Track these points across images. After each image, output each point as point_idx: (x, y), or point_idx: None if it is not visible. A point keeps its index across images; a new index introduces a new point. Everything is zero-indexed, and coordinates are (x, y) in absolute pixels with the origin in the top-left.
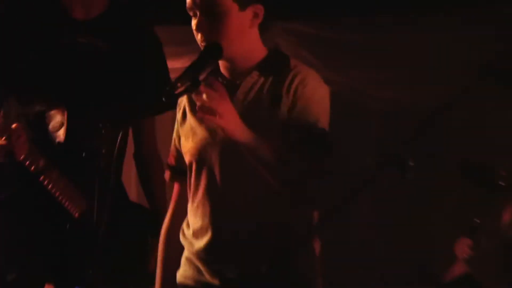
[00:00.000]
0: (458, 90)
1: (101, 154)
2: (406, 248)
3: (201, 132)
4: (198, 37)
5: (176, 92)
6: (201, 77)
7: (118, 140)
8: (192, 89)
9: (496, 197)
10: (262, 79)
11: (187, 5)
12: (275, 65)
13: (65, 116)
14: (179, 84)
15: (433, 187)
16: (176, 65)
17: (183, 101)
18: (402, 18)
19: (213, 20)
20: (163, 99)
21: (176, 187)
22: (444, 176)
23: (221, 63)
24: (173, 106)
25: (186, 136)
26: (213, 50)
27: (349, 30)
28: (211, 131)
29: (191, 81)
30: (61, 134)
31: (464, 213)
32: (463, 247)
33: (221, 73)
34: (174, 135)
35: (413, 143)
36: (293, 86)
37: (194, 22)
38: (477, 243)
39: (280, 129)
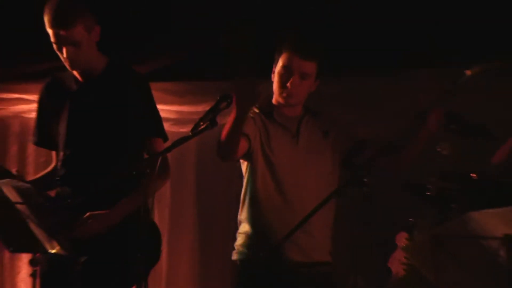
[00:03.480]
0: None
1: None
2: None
3: None
4: None
5: (200, 129)
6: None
7: (158, 164)
8: (211, 127)
9: (425, 203)
10: None
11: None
12: None
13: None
14: (201, 123)
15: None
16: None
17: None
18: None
19: None
20: (191, 133)
21: None
22: (392, 191)
23: None
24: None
25: None
26: (225, 98)
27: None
28: None
29: (210, 120)
30: None
31: (404, 214)
32: (401, 238)
33: None
34: None
35: (369, 167)
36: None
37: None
38: (411, 236)
39: None
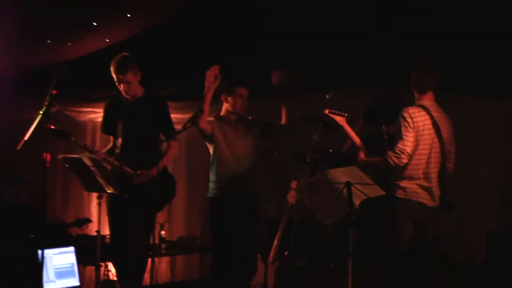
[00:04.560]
0: None
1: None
2: None
3: None
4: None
5: (187, 126)
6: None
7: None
8: (193, 125)
9: (305, 167)
10: None
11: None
12: None
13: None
14: (188, 124)
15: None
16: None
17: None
18: None
19: None
20: (182, 129)
21: None
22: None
23: None
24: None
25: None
26: (200, 111)
27: None
28: None
29: (192, 122)
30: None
31: (295, 171)
32: (293, 184)
33: None
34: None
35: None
36: None
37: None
38: (299, 182)
39: None
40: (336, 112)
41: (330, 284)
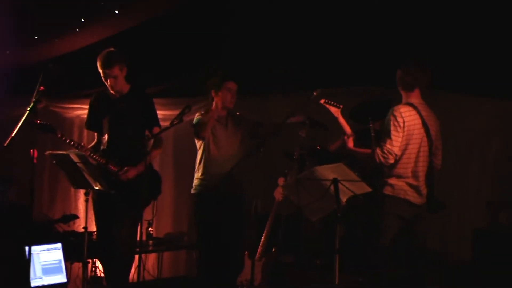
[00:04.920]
0: None
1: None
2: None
3: None
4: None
5: (174, 123)
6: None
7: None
8: (180, 122)
9: (292, 163)
10: None
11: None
12: None
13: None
14: (175, 120)
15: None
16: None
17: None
18: None
19: None
20: (170, 125)
21: None
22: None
23: None
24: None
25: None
26: (187, 107)
27: None
28: None
29: (179, 119)
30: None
31: (282, 168)
32: (281, 181)
33: None
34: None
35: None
36: None
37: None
38: (286, 179)
39: None
40: (332, 102)
41: (318, 281)
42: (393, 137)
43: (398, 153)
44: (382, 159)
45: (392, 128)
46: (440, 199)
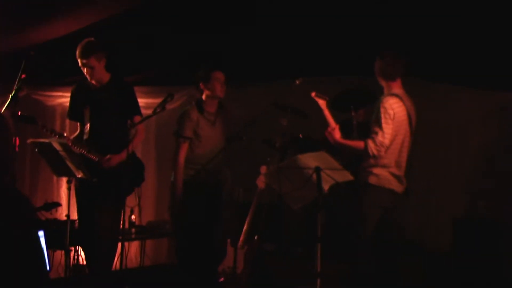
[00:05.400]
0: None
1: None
2: None
3: None
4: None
5: (157, 111)
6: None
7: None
8: (162, 110)
9: (274, 152)
10: None
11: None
12: None
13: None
14: (158, 109)
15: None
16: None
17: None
18: None
19: None
20: (152, 113)
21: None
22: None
23: None
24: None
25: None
26: (169, 96)
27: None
28: None
29: (161, 107)
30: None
31: (264, 156)
32: (263, 169)
33: None
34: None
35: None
36: None
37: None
38: (268, 168)
39: None
40: (320, 95)
41: (299, 269)
42: (384, 129)
43: (389, 145)
44: (375, 151)
45: (383, 120)
46: (418, 188)
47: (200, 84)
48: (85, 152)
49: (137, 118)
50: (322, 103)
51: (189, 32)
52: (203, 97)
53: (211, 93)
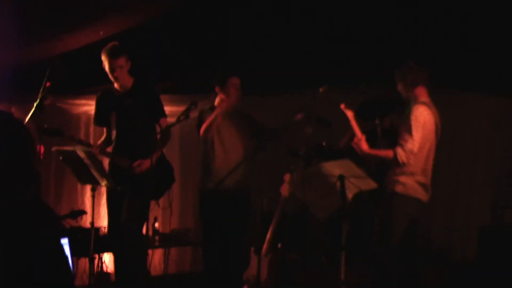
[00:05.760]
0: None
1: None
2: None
3: None
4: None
5: (181, 119)
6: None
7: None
8: (186, 118)
9: (298, 160)
10: None
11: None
12: None
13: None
14: (182, 116)
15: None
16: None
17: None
18: None
19: None
20: (176, 121)
21: None
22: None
23: None
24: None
25: None
26: (193, 104)
27: None
28: None
29: (185, 115)
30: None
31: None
32: (287, 177)
33: None
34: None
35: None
36: None
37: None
38: (292, 176)
39: None
40: (348, 107)
41: (324, 278)
42: (414, 137)
43: (417, 152)
44: (405, 159)
45: (413, 128)
46: (444, 197)
47: (216, 88)
48: (115, 160)
49: (163, 120)
50: (350, 114)
51: (211, 41)
52: (217, 101)
53: (227, 99)
